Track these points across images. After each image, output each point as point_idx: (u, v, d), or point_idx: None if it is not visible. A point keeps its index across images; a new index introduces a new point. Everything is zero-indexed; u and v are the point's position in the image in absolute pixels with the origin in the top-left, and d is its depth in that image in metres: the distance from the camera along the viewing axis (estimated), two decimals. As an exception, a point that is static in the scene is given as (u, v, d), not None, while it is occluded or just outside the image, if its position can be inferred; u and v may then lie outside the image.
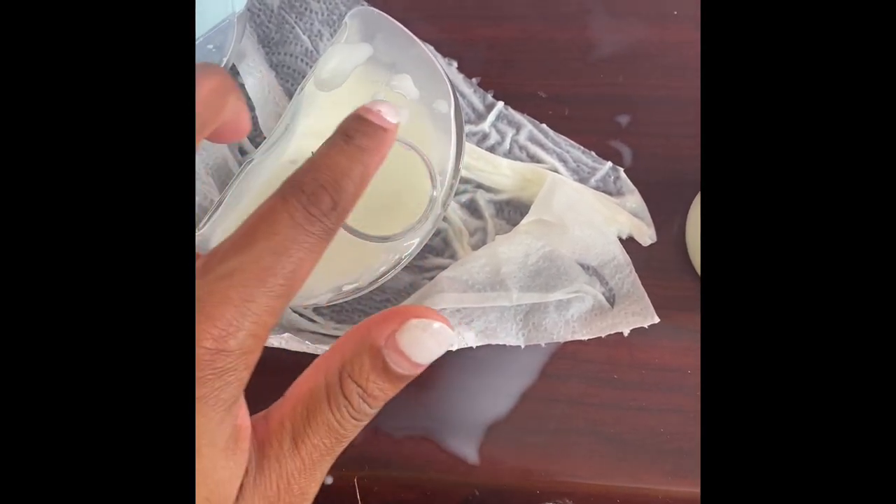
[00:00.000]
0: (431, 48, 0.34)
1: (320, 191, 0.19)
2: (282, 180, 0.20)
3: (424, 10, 0.37)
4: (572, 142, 0.34)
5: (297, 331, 0.32)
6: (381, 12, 0.31)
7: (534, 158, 0.34)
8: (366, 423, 0.19)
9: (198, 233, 0.29)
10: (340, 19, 0.36)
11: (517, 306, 0.31)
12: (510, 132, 0.35)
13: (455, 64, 0.36)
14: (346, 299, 0.30)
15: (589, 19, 0.36)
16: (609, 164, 0.34)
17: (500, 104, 0.35)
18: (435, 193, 0.29)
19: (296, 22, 0.36)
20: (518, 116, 0.35)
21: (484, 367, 0.32)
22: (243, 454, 0.18)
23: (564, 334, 0.31)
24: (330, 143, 0.21)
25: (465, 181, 0.34)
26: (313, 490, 0.19)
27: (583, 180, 0.34)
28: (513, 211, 0.34)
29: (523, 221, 0.32)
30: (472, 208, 0.34)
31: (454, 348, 0.30)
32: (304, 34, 0.36)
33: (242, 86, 0.35)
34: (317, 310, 0.33)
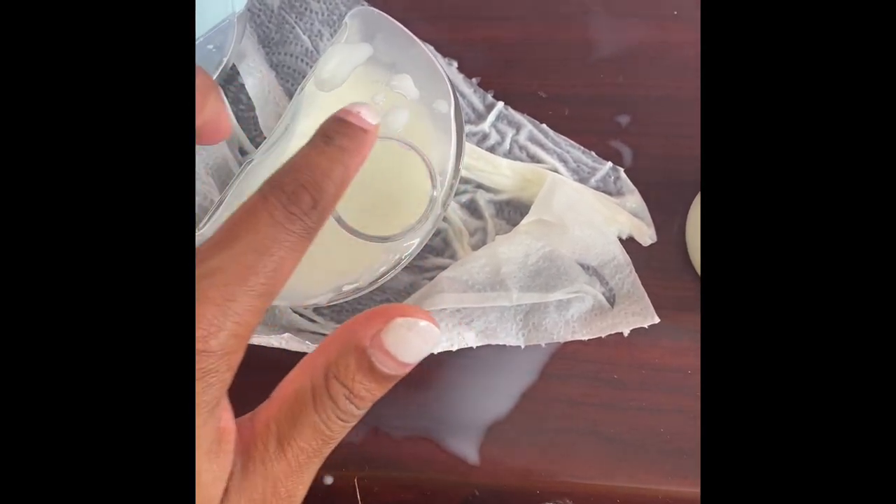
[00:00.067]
0: (431, 48, 0.34)
1: (300, 190, 0.19)
2: None
3: (424, 10, 0.37)
4: (572, 142, 0.34)
5: (297, 331, 0.32)
6: (381, 12, 0.31)
7: (534, 158, 0.34)
8: (353, 423, 0.19)
9: (198, 233, 0.29)
10: (340, 19, 0.36)
11: (517, 306, 0.31)
12: (510, 132, 0.35)
13: (455, 64, 0.36)
14: (346, 299, 0.30)
15: (589, 19, 0.36)
16: (609, 164, 0.34)
17: (500, 104, 0.35)
18: (435, 193, 0.29)
19: (296, 22, 0.36)
20: (518, 116, 0.35)
21: (484, 367, 0.32)
22: (227, 457, 0.18)
23: (564, 334, 0.31)
24: (310, 145, 0.21)
25: (465, 181, 0.34)
26: (301, 492, 0.18)
27: (583, 180, 0.34)
28: (513, 211, 0.34)
29: (523, 221, 0.32)
30: (472, 208, 0.34)
31: (454, 348, 0.30)
32: (304, 34, 0.36)
33: (242, 86, 0.35)
34: (317, 310, 0.33)
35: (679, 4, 0.36)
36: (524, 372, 0.32)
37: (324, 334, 0.32)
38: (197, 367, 0.16)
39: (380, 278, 0.29)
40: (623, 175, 0.34)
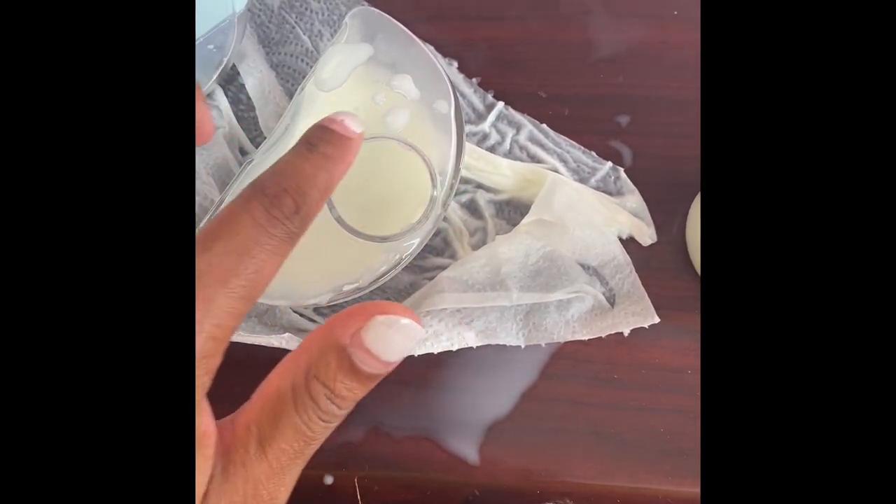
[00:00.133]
0: (431, 48, 0.34)
1: (283, 194, 0.19)
2: None
3: (424, 10, 0.37)
4: (572, 142, 0.34)
5: (298, 331, 0.32)
6: (381, 12, 0.31)
7: (534, 158, 0.34)
8: (336, 424, 0.18)
9: (198, 233, 0.29)
10: (341, 19, 0.36)
11: (517, 306, 0.31)
12: (510, 132, 0.35)
13: (455, 64, 0.36)
14: (346, 299, 0.30)
15: (589, 19, 0.36)
16: (609, 164, 0.34)
17: (500, 104, 0.35)
18: (435, 193, 0.29)
19: (296, 22, 0.36)
20: (518, 116, 0.35)
21: (484, 367, 0.32)
22: (207, 461, 0.17)
23: (564, 334, 0.31)
24: (293, 152, 0.21)
25: (465, 181, 0.34)
26: (283, 495, 0.18)
27: (583, 180, 0.34)
28: (513, 211, 0.34)
29: (523, 221, 0.32)
30: (472, 208, 0.34)
31: (454, 348, 0.30)
32: (304, 34, 0.36)
33: (242, 86, 0.35)
34: (317, 310, 0.33)
35: (679, 4, 0.36)
36: (524, 372, 0.32)
37: (324, 334, 0.32)
38: None
39: (380, 278, 0.29)
40: (623, 175, 0.34)
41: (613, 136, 0.35)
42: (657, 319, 0.31)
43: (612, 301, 0.32)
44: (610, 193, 0.34)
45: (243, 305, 0.18)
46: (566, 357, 0.32)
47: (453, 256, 0.33)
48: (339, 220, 0.28)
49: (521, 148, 0.34)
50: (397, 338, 0.18)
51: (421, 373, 0.32)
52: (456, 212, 0.34)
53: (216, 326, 0.17)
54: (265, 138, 0.33)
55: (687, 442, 0.31)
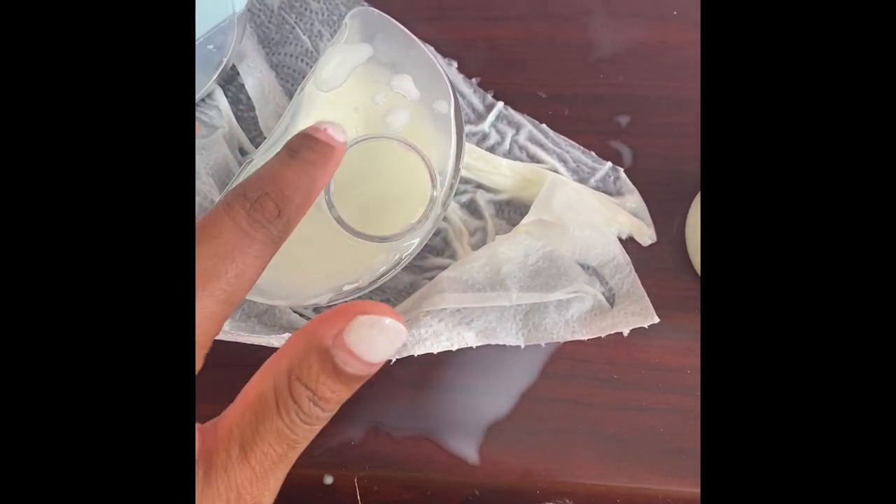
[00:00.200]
0: (431, 48, 0.34)
1: (264, 198, 0.19)
2: None
3: (424, 10, 0.37)
4: (572, 142, 0.34)
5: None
6: (381, 12, 0.31)
7: (534, 158, 0.34)
8: (320, 426, 0.18)
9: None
10: (340, 19, 0.36)
11: (517, 306, 0.31)
12: (510, 132, 0.35)
13: (455, 64, 0.36)
14: (346, 299, 0.30)
15: (589, 19, 0.36)
16: (609, 164, 0.34)
17: (500, 104, 0.35)
18: (435, 193, 0.29)
19: (296, 22, 0.36)
20: (518, 116, 0.35)
21: (484, 367, 0.32)
22: None
23: (564, 334, 0.31)
24: (276, 158, 0.21)
25: (465, 181, 0.34)
26: (268, 499, 0.18)
27: (583, 180, 0.34)
28: (513, 211, 0.34)
29: (523, 221, 0.32)
30: (472, 208, 0.34)
31: (454, 348, 0.30)
32: (304, 34, 0.36)
33: (242, 86, 0.35)
34: (317, 310, 0.33)
35: (679, 4, 0.36)
36: (524, 372, 0.32)
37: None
38: None
39: (380, 278, 0.29)
40: (623, 175, 0.34)
41: (613, 136, 0.35)
42: (657, 319, 0.31)
43: (611, 301, 0.32)
44: (610, 193, 0.34)
45: (224, 310, 0.18)
46: (566, 357, 0.32)
47: (453, 256, 0.33)
48: (339, 220, 0.28)
49: (521, 148, 0.34)
50: (380, 338, 0.18)
51: (421, 373, 0.32)
52: (456, 212, 0.34)
53: (196, 331, 0.17)
54: (265, 138, 0.33)
55: (687, 442, 0.31)
